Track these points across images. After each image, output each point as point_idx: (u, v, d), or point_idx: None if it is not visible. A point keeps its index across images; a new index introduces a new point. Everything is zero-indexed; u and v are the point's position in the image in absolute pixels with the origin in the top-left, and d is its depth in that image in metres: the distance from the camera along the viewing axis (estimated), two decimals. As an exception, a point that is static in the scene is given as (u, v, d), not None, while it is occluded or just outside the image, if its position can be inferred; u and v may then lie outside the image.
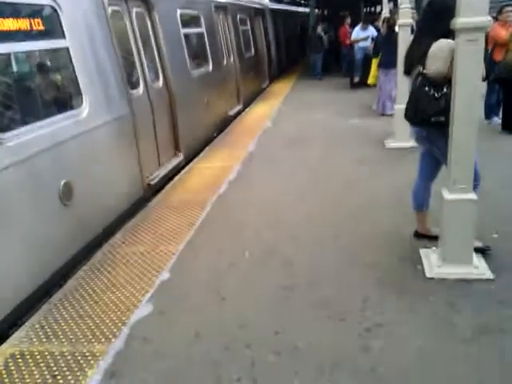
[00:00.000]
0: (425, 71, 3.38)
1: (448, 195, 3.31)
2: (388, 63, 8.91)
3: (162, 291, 3.50)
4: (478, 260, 3.45)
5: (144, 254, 4.09)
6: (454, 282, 3.31)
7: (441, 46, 3.28)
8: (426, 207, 3.92)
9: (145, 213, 5.04)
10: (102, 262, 4.00)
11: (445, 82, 3.28)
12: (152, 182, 5.63)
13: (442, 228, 3.43)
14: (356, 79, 12.71)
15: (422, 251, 3.73)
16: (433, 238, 3.77)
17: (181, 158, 6.66)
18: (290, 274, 3.63)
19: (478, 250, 3.52)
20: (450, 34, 3.20)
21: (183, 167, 6.66)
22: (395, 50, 8.08)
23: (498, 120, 7.60)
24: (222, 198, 5.29)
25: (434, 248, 3.64)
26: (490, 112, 7.71)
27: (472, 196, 3.27)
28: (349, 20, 15.09)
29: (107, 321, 3.18)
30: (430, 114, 3.36)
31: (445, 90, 3.28)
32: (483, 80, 3.36)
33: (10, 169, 3.37)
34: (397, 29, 8.49)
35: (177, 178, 6.19)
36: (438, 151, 3.63)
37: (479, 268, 3.38)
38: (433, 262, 3.50)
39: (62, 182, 3.89)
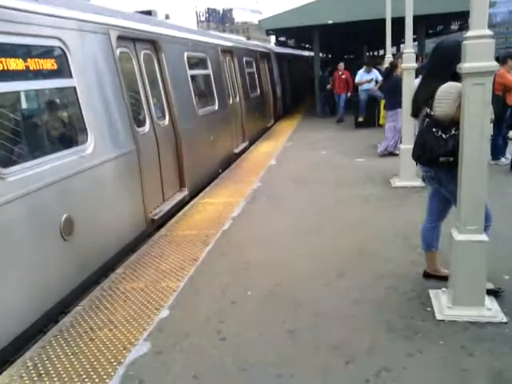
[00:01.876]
0: (432, 113, 3.37)
1: (458, 236, 3.23)
2: (385, 105, 9.23)
3: (160, 329, 3.37)
4: (490, 302, 3.32)
5: (144, 290, 3.98)
6: (465, 325, 3.17)
7: (448, 88, 3.28)
8: (436, 247, 3.82)
9: (147, 248, 4.95)
10: (101, 298, 3.89)
11: (452, 123, 3.27)
12: (155, 217, 5.58)
13: (453, 269, 3.32)
14: (360, 119, 12.97)
15: (432, 292, 3.61)
16: (442, 279, 3.66)
17: (185, 193, 6.64)
18: (293, 314, 3.50)
19: (489, 292, 3.40)
20: (456, 77, 3.21)
21: (188, 202, 6.62)
22: (393, 92, 8.25)
23: (505, 161, 7.60)
24: (226, 235, 5.21)
25: (444, 289, 3.52)
26: (497, 153, 7.71)
27: (483, 237, 3.19)
28: (342, 65, 14.60)
29: (102, 359, 3.05)
30: (438, 153, 3.33)
31: (453, 131, 3.27)
32: (492, 122, 3.35)
33: (11, 204, 3.34)
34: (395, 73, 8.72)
35: (180, 213, 6.14)
36: (446, 191, 3.58)
37: (492, 310, 3.25)
38: (443, 304, 3.37)
39: (64, 217, 3.85)
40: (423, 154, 3.46)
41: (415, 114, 3.75)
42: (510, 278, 3.75)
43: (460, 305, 3.27)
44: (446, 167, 3.38)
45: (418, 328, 3.19)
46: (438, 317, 3.29)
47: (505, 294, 3.47)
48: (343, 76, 14.39)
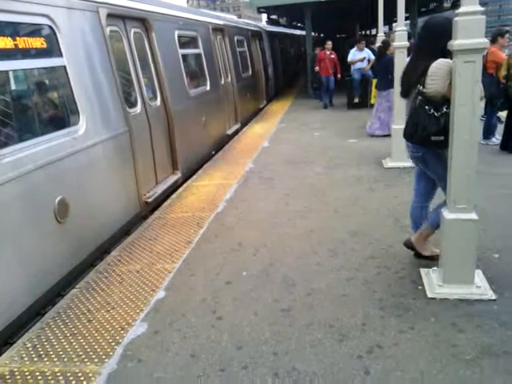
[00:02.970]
0: (424, 90, 3.38)
1: (448, 215, 3.28)
2: (378, 85, 9.16)
3: (157, 310, 3.43)
4: (479, 280, 3.40)
5: (140, 272, 4.02)
6: (455, 302, 3.25)
7: (439, 65, 3.29)
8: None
9: (141, 230, 4.98)
10: (97, 280, 3.93)
11: (444, 101, 3.28)
12: (149, 200, 5.59)
13: (443, 248, 3.38)
14: (356, 100, 12.76)
15: (423, 271, 3.68)
16: (433, 258, 3.73)
17: (178, 175, 6.64)
18: (288, 293, 3.56)
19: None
20: (446, 54, 3.22)
21: (181, 185, 6.63)
22: (386, 72, 8.22)
23: (495, 141, 7.63)
24: (220, 217, 5.25)
25: (435, 268, 3.59)
26: (489, 133, 7.74)
27: (472, 216, 3.24)
28: (330, 44, 13.38)
29: (101, 340, 3.10)
30: (430, 132, 3.35)
31: (444, 109, 3.29)
32: (482, 100, 3.37)
33: (4, 186, 3.33)
34: (388, 52, 8.66)
35: (174, 195, 6.15)
36: (432, 173, 3.62)
37: (481, 288, 3.33)
38: (434, 282, 3.45)
39: (58, 199, 3.85)
40: (415, 132, 3.48)
41: (405, 93, 3.74)
42: (499, 257, 3.82)
43: (450, 283, 3.34)
44: (435, 147, 3.41)
45: (409, 306, 3.27)
46: (429, 295, 3.36)
47: (494, 272, 3.55)
48: (332, 56, 13.33)
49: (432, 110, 3.33)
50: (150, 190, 5.81)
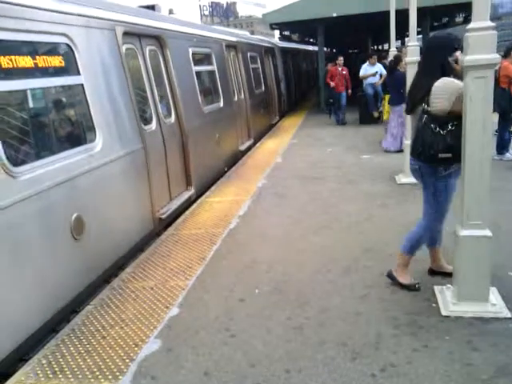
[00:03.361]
0: (429, 109, 3.39)
1: (461, 231, 3.26)
2: (391, 100, 9.13)
3: (170, 327, 3.45)
4: (494, 298, 3.37)
5: (153, 288, 4.05)
6: (470, 321, 3.22)
7: (443, 84, 3.32)
8: (439, 243, 3.87)
9: (155, 247, 5.03)
10: (111, 297, 3.97)
11: (449, 118, 3.30)
12: (163, 216, 5.64)
13: (457, 265, 3.36)
14: (376, 114, 12.46)
15: (437, 288, 3.65)
16: (447, 275, 3.71)
17: (192, 191, 6.70)
18: (301, 310, 3.56)
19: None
20: (447, 69, 3.26)
21: (194, 201, 6.68)
22: (398, 87, 8.22)
23: (510, 156, 7.58)
24: (233, 233, 5.27)
25: (449, 285, 3.56)
26: (502, 147, 7.69)
27: (486, 232, 3.22)
28: (341, 60, 13.40)
29: (115, 357, 3.12)
30: (437, 150, 3.35)
31: (450, 126, 3.29)
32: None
33: (22, 203, 3.40)
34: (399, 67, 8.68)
35: (188, 211, 6.20)
36: (425, 190, 3.64)
37: (496, 306, 3.30)
38: (448, 300, 3.42)
39: (74, 216, 3.92)
40: (423, 150, 3.49)
41: (410, 111, 3.76)
42: (514, 274, 3.79)
43: (465, 300, 3.32)
44: (443, 165, 3.42)
45: (423, 324, 3.25)
46: (444, 313, 3.34)
47: (509, 290, 3.51)
48: (343, 72, 13.27)
49: (438, 128, 3.34)
50: (164, 206, 5.87)
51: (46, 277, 3.63)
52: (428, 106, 3.39)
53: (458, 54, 3.27)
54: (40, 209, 3.60)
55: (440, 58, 3.34)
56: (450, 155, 3.31)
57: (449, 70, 3.29)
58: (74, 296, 3.94)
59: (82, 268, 4.06)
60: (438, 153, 3.34)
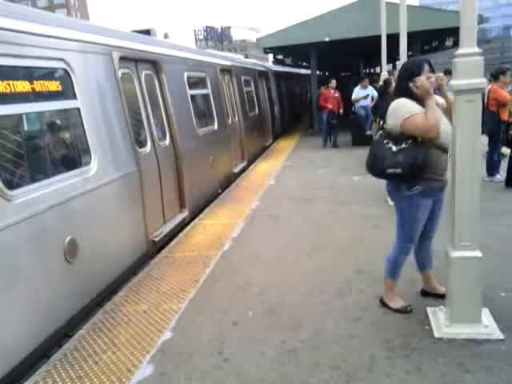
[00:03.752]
0: (385, 126, 3.53)
1: (452, 253, 3.30)
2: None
3: (163, 351, 3.43)
4: (486, 319, 3.38)
5: (146, 312, 4.04)
6: (462, 343, 3.23)
7: (395, 104, 3.46)
8: (429, 266, 3.90)
9: (148, 270, 5.02)
10: (104, 321, 3.94)
11: (404, 137, 3.39)
12: (156, 239, 5.64)
13: (449, 286, 3.39)
14: (368, 132, 12.48)
15: (430, 310, 3.67)
16: (440, 296, 3.72)
17: (185, 214, 6.71)
18: (294, 333, 3.55)
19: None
20: (409, 92, 3.40)
21: (188, 223, 6.69)
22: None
23: (500, 177, 7.67)
24: (226, 255, 5.28)
25: (442, 307, 3.58)
26: (492, 169, 7.79)
27: (477, 253, 3.26)
28: (334, 83, 13.37)
29: (107, 382, 3.10)
30: (386, 165, 3.42)
31: (403, 145, 3.37)
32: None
33: (16, 226, 3.40)
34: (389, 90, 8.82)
35: (181, 234, 6.21)
36: (394, 208, 3.69)
37: (488, 327, 3.31)
38: (441, 322, 3.44)
39: (68, 239, 3.92)
40: (373, 165, 3.56)
41: None
42: (506, 296, 3.81)
43: (457, 322, 3.33)
44: (394, 179, 3.51)
45: (416, 346, 3.25)
46: (436, 335, 3.35)
47: (501, 311, 3.53)
48: (336, 94, 13.29)
49: (390, 144, 3.43)
50: (158, 229, 5.87)
51: (40, 300, 3.61)
52: (384, 122, 3.52)
53: (420, 78, 3.36)
54: (34, 232, 3.60)
55: (403, 82, 3.51)
56: (399, 171, 3.36)
57: (409, 94, 3.41)
58: (68, 319, 3.91)
59: (75, 291, 4.04)
60: (386, 168, 3.41)
